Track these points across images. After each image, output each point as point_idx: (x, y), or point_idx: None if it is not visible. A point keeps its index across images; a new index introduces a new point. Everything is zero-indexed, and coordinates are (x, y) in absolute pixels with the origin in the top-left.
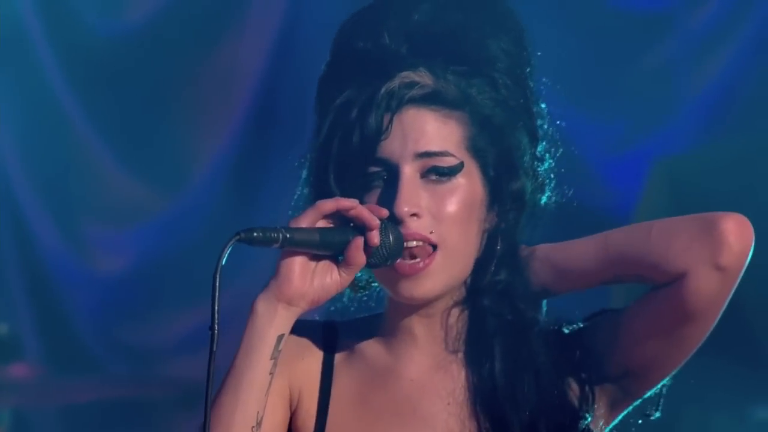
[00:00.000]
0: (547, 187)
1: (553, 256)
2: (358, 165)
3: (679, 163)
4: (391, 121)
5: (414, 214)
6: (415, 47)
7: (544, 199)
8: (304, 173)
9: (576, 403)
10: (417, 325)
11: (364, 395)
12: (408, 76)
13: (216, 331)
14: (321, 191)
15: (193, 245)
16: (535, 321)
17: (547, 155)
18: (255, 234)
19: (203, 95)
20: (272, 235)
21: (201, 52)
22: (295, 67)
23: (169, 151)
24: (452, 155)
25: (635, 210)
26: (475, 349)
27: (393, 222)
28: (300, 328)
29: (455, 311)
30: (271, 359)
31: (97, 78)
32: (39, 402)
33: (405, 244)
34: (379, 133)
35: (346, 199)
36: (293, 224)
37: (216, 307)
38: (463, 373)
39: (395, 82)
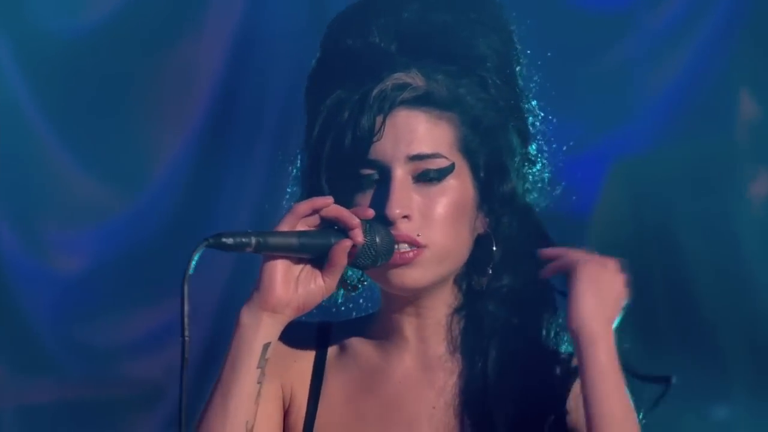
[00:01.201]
0: (538, 189)
1: None
2: (350, 166)
3: (638, 164)
4: (383, 123)
5: (405, 217)
6: (405, 46)
7: (536, 201)
8: (294, 171)
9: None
10: (407, 326)
11: (353, 396)
12: (400, 77)
13: (187, 339)
14: (312, 191)
15: (152, 245)
16: (537, 328)
17: (539, 156)
18: (224, 239)
19: (162, 95)
20: (243, 240)
21: (159, 52)
22: (255, 66)
23: (128, 151)
24: (444, 157)
25: (593, 211)
26: (469, 350)
27: (383, 223)
28: (294, 329)
29: (448, 314)
30: (257, 368)
31: (54, 77)
32: None
33: (396, 246)
34: (371, 135)
35: (321, 197)
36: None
37: (185, 314)
38: (453, 376)
39: (387, 84)
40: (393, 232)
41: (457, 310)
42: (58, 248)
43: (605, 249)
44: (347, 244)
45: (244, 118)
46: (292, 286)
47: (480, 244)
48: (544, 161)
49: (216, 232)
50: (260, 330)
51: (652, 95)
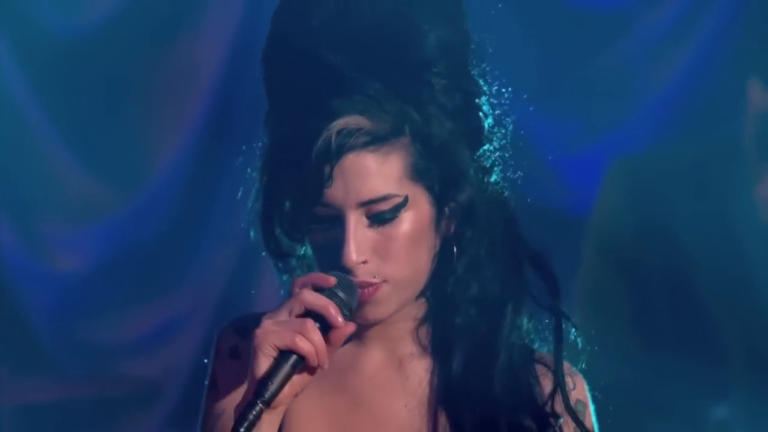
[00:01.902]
0: (498, 168)
1: None
2: (306, 204)
3: (637, 163)
4: (331, 172)
5: (363, 262)
6: (351, 58)
7: (500, 179)
8: (256, 185)
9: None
10: (374, 332)
11: (322, 393)
12: (346, 124)
13: None
14: (273, 216)
15: (150, 244)
16: (506, 330)
17: (494, 132)
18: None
19: (162, 94)
20: (255, 413)
21: (159, 51)
22: (254, 66)
23: (128, 150)
24: (395, 195)
25: (592, 210)
26: (438, 351)
27: (339, 268)
28: (256, 325)
29: (414, 325)
30: None
31: (55, 77)
32: None
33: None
34: (321, 182)
35: (318, 281)
36: (258, 370)
37: None
38: (424, 372)
39: (331, 131)
40: (351, 277)
41: (423, 321)
42: (58, 247)
43: (604, 248)
44: (349, 330)
45: (243, 118)
46: (289, 383)
47: (442, 252)
48: (500, 134)
49: (234, 425)
50: (261, 427)
51: (651, 95)
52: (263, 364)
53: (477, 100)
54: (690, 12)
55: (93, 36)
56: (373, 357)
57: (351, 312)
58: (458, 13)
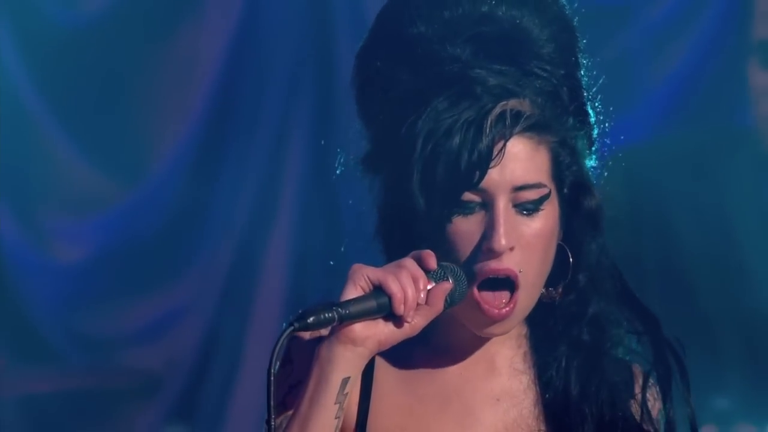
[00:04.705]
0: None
1: None
2: (454, 191)
3: (636, 155)
4: (501, 151)
5: (511, 248)
6: (479, 51)
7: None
8: (384, 192)
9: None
10: (470, 340)
11: (410, 380)
12: (515, 105)
13: (273, 425)
14: (404, 209)
15: (152, 235)
16: (608, 344)
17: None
18: (309, 320)
19: (163, 85)
20: (327, 315)
21: (160, 43)
22: (255, 57)
23: (129, 141)
24: (544, 185)
25: None
26: (543, 362)
27: (488, 253)
28: None
29: (518, 331)
30: (336, 403)
31: (56, 68)
32: None
33: (492, 275)
34: (487, 161)
35: (427, 252)
36: (344, 296)
37: (271, 405)
38: (518, 372)
39: (505, 111)
40: (494, 265)
41: (527, 326)
42: (60, 238)
43: None
44: (448, 286)
45: (245, 108)
46: (372, 323)
47: (558, 255)
48: (597, 155)
49: (298, 314)
50: (339, 363)
51: (651, 87)
52: (351, 292)
53: (587, 105)
54: (689, 5)
55: (95, 27)
56: (467, 352)
57: (453, 301)
58: (570, 21)
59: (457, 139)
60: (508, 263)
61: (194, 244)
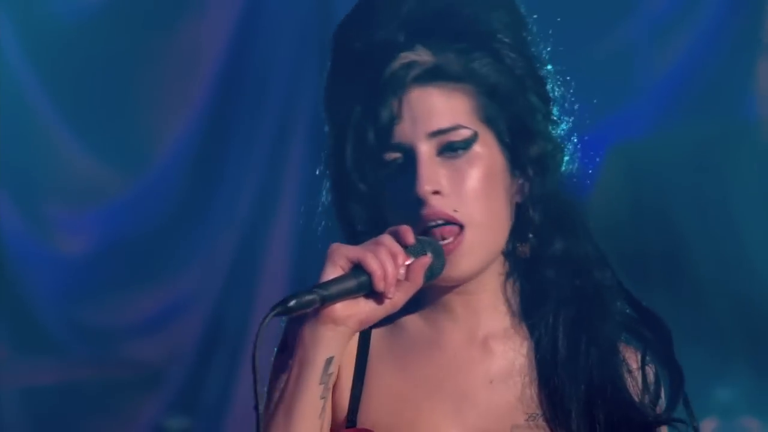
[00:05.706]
0: (566, 149)
1: None
2: (375, 157)
3: (637, 149)
4: (399, 106)
5: (436, 192)
6: (411, 34)
7: (567, 164)
8: (327, 183)
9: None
10: (455, 302)
11: (403, 364)
12: (407, 56)
13: (261, 412)
14: (345, 192)
15: (155, 226)
16: (606, 283)
17: (563, 117)
18: (290, 304)
19: (165, 78)
20: (307, 298)
21: (163, 34)
22: (258, 50)
23: (132, 133)
24: (465, 127)
25: (591, 196)
26: (533, 321)
27: (418, 204)
28: None
29: (501, 283)
30: (320, 384)
31: (58, 60)
32: (0, 384)
33: (431, 223)
34: (391, 120)
35: (403, 228)
36: (324, 277)
37: (257, 388)
38: (513, 348)
39: (395, 65)
40: (426, 211)
41: (508, 279)
42: (62, 229)
43: (603, 232)
44: (426, 260)
45: (248, 100)
46: (353, 301)
47: (521, 211)
48: (569, 122)
49: (282, 299)
50: (321, 344)
51: (653, 80)
52: (330, 273)
53: (539, 70)
54: None
55: (97, 19)
56: (457, 333)
57: (432, 275)
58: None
59: (359, 108)
60: (438, 205)
61: (196, 236)
